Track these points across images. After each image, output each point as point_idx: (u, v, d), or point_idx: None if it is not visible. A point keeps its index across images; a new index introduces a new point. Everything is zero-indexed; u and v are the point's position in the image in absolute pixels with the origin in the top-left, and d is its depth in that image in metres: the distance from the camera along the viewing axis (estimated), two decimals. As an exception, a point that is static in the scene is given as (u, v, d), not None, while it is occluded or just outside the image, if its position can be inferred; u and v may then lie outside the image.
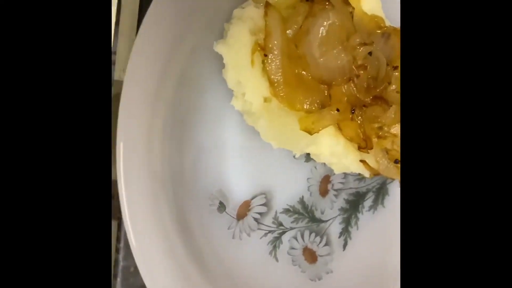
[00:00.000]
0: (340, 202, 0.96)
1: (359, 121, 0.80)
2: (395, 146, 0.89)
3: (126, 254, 0.86)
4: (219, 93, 0.83)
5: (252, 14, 0.74)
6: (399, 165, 0.86)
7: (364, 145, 0.80)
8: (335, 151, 0.82)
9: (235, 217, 0.86)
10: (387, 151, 0.87)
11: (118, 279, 0.87)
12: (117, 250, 0.86)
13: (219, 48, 0.74)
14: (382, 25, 0.87)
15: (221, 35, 0.78)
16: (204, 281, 0.82)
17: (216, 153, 0.85)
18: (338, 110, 0.77)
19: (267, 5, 0.73)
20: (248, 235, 0.86)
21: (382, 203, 1.01)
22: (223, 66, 0.78)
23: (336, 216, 0.95)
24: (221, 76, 0.80)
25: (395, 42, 0.86)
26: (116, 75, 0.87)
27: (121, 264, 0.86)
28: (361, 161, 0.84)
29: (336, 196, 0.95)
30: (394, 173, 0.87)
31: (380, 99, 0.82)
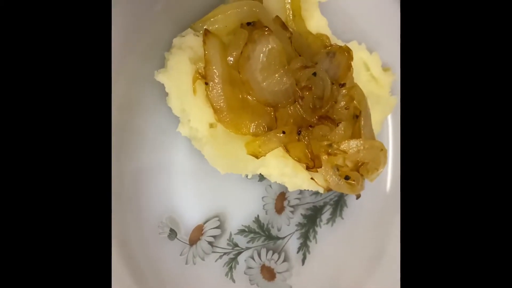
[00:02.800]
0: (297, 218, 0.96)
1: (305, 142, 0.81)
2: (347, 162, 0.90)
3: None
4: (166, 118, 0.83)
5: (192, 43, 0.74)
6: (349, 181, 0.87)
7: (312, 165, 0.81)
8: (285, 171, 0.83)
9: (187, 242, 0.86)
10: (338, 168, 0.88)
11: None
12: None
13: (160, 77, 0.74)
14: (327, 43, 0.88)
15: (163, 63, 0.77)
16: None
17: (164, 177, 0.84)
18: (284, 132, 0.78)
19: (206, 33, 0.73)
20: (202, 259, 0.86)
21: (341, 215, 1.02)
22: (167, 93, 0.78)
23: (294, 232, 0.96)
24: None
25: (341, 60, 0.87)
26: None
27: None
28: (312, 179, 0.86)
29: (292, 212, 0.96)
30: (345, 189, 0.88)
31: (326, 119, 0.83)
